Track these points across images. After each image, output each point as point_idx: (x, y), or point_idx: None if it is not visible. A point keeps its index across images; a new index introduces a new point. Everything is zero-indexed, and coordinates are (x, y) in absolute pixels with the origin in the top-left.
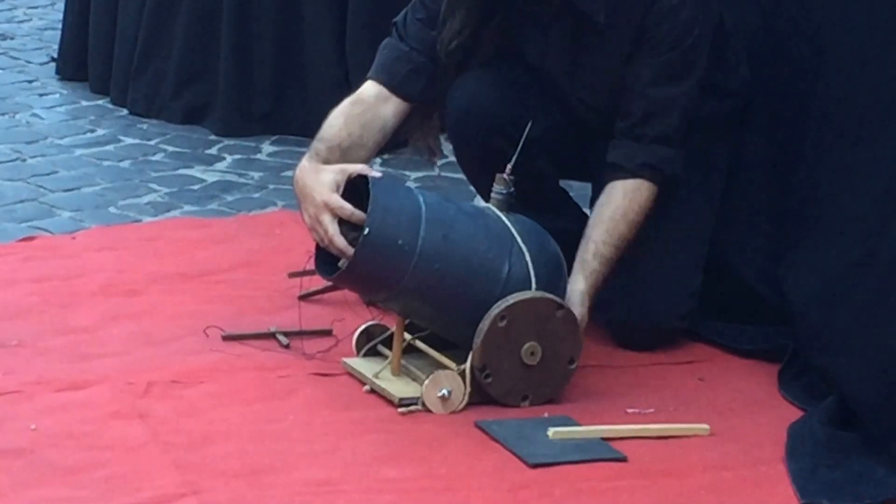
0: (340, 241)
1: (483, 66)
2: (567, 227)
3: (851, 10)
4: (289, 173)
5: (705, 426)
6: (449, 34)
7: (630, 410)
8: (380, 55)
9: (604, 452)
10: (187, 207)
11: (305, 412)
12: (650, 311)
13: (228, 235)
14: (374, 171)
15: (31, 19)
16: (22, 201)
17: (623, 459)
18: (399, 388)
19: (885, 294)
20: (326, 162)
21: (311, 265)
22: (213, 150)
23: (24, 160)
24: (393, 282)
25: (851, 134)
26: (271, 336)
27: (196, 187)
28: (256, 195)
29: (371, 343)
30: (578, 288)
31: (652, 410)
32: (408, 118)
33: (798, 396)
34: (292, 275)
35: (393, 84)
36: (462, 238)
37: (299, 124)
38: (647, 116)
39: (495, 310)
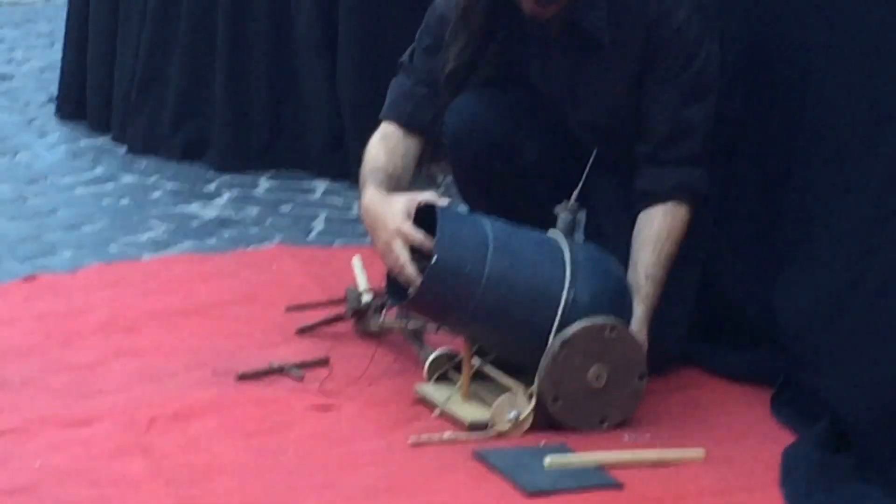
0: (411, 270)
1: (481, 86)
2: None
3: (838, 32)
4: (285, 208)
5: (700, 452)
6: (452, 54)
7: (626, 438)
8: (388, 95)
9: (600, 480)
10: (186, 243)
11: (305, 445)
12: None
13: (227, 271)
14: (441, 199)
15: (29, 60)
16: (23, 240)
17: (619, 486)
18: (469, 411)
19: (877, 315)
20: (388, 190)
21: (308, 300)
22: (211, 187)
23: (25, 199)
24: (460, 308)
25: (839, 156)
26: (283, 371)
27: (194, 223)
28: (254, 230)
29: (441, 369)
30: (636, 315)
31: (647, 437)
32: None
33: (792, 420)
34: (290, 308)
35: (402, 122)
36: (527, 265)
37: (295, 159)
38: (673, 138)
39: (557, 340)
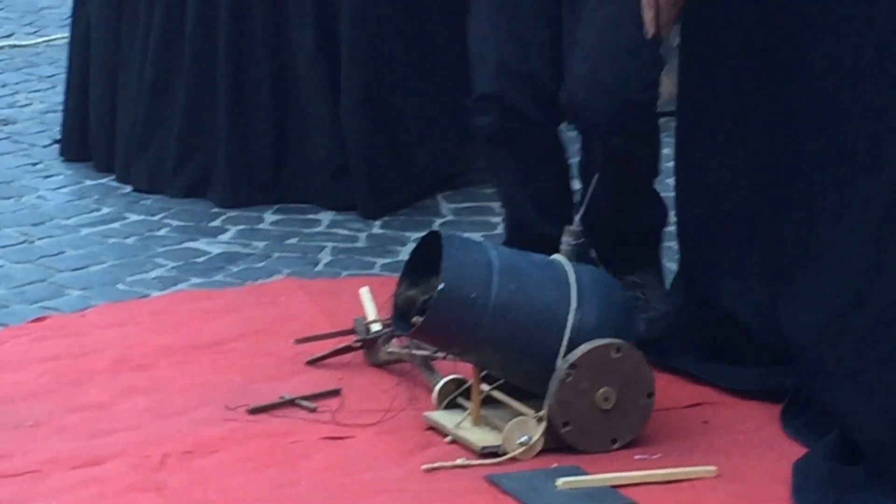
0: None
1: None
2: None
3: (843, 50)
4: (291, 241)
5: (712, 468)
6: None
7: (637, 457)
8: None
9: (613, 500)
10: (194, 280)
11: (319, 476)
12: (609, 84)
13: (235, 305)
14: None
15: (32, 103)
16: (31, 283)
17: None
18: (480, 437)
19: (884, 328)
20: None
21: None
22: (217, 222)
23: (32, 242)
24: (468, 334)
25: (843, 172)
26: (294, 403)
27: (201, 260)
28: (261, 264)
29: (451, 396)
30: None
31: (659, 455)
32: None
33: (801, 434)
34: (299, 341)
35: None
36: (533, 289)
37: (299, 192)
38: None
39: (564, 363)
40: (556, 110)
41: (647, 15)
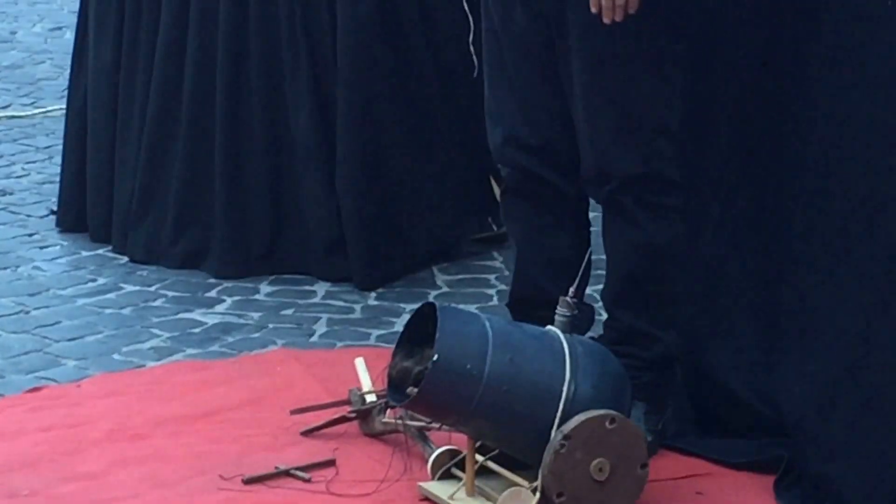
0: None
1: None
2: None
3: (833, 130)
4: (287, 312)
5: None
6: None
7: None
8: None
9: None
10: (189, 350)
11: None
12: (609, 158)
13: (230, 376)
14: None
15: (29, 174)
16: (27, 353)
17: None
18: None
19: (878, 401)
20: None
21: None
22: (213, 293)
23: (28, 312)
24: (463, 405)
25: (836, 246)
26: (289, 474)
27: (197, 330)
28: (256, 335)
29: (445, 466)
30: None
31: None
32: None
33: None
34: (294, 411)
35: None
36: (528, 360)
37: (295, 263)
38: None
39: (559, 434)
40: (576, 174)
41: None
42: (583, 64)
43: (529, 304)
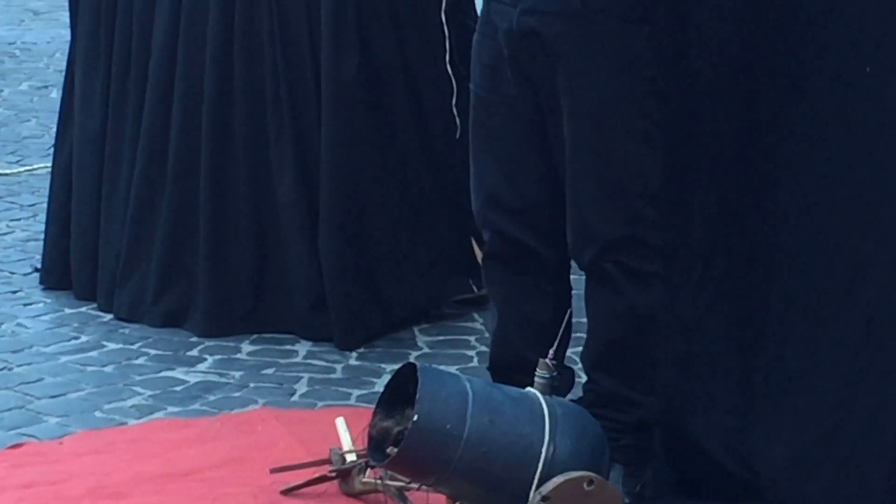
0: None
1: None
2: None
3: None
4: (268, 371)
5: None
6: None
7: None
8: None
9: None
10: (171, 409)
11: None
12: (593, 221)
13: (211, 434)
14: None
15: (13, 231)
16: (9, 409)
17: None
18: None
19: (855, 465)
20: None
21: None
22: (195, 352)
23: (11, 369)
24: (443, 466)
25: (815, 310)
26: None
27: (179, 388)
28: (237, 394)
29: None
30: None
31: None
32: None
33: None
34: (274, 470)
35: None
36: (507, 421)
37: (277, 323)
38: None
39: (537, 496)
40: (560, 237)
41: None
42: (571, 127)
43: (509, 368)
